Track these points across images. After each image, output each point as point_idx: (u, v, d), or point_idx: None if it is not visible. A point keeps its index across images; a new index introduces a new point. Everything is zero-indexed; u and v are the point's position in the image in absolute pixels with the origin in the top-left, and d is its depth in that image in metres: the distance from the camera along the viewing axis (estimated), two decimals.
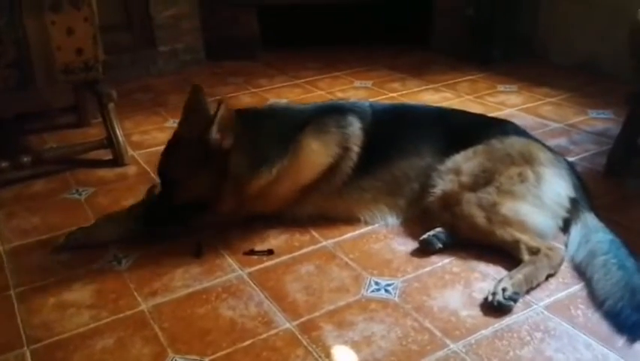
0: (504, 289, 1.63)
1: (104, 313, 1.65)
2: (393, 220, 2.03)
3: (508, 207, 1.82)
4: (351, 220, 2.04)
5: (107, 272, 1.83)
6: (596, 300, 1.64)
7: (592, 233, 1.81)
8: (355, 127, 2.05)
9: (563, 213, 1.89)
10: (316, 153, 1.98)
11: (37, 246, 1.99)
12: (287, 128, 2.01)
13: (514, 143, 1.98)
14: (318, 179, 1.98)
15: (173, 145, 1.93)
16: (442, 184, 1.93)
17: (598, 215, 1.90)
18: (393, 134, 2.11)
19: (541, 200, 1.85)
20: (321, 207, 2.03)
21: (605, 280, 1.65)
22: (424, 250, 1.87)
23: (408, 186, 2.01)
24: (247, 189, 1.92)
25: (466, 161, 1.94)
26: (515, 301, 1.62)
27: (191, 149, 1.85)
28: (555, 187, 1.89)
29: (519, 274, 1.69)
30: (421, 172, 2.01)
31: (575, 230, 1.86)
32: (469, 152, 1.96)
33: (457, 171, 1.93)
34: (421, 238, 1.88)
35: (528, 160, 1.91)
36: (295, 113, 2.12)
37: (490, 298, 1.63)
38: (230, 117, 1.85)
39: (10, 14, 2.17)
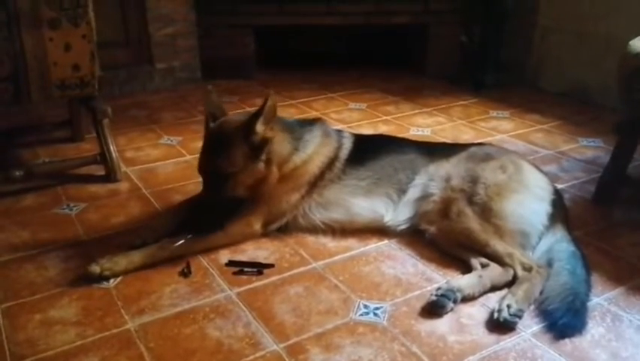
0: (509, 306, 1.67)
1: (90, 330, 1.64)
2: (384, 212, 2.13)
3: (498, 209, 1.93)
4: (348, 214, 2.13)
5: (95, 289, 1.82)
6: (539, 297, 1.74)
7: (556, 243, 1.91)
8: (345, 133, 2.36)
9: (549, 197, 2.01)
10: (324, 145, 2.22)
11: (25, 261, 1.97)
12: (305, 124, 2.29)
13: (491, 148, 2.31)
14: (323, 168, 2.18)
15: (217, 143, 2.03)
16: (439, 192, 2.06)
17: (570, 229, 2.00)
18: (379, 141, 2.44)
19: (524, 185, 2.01)
20: (323, 196, 2.14)
21: (553, 282, 1.77)
22: (435, 313, 1.71)
23: (395, 176, 2.18)
24: (285, 168, 2.11)
25: (454, 168, 2.12)
26: (520, 317, 1.65)
27: (239, 142, 1.98)
28: (535, 174, 2.10)
29: (519, 290, 1.73)
30: (406, 164, 2.21)
31: (544, 240, 1.94)
32: (454, 160, 2.16)
33: (447, 178, 2.09)
34: (430, 300, 1.74)
35: (506, 155, 2.17)
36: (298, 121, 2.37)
37: (495, 315, 1.66)
38: (275, 109, 2.03)
39: (8, 29, 2.18)
